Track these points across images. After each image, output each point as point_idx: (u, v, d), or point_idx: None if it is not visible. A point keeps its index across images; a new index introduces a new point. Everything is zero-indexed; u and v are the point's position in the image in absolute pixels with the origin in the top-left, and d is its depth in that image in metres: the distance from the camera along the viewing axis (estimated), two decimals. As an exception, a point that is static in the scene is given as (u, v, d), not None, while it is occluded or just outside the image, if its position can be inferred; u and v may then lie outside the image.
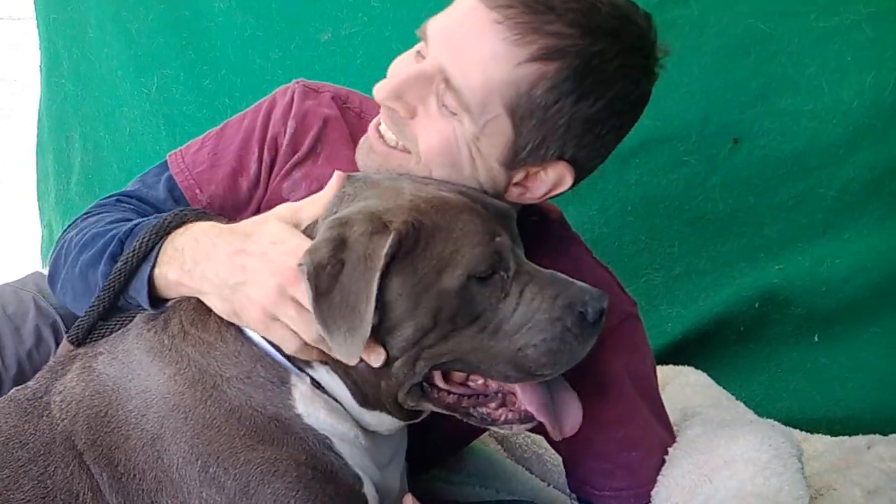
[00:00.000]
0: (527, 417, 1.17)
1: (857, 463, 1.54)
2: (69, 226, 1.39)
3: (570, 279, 1.14)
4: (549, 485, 1.63)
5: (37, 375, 1.27)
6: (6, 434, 1.18)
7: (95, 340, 1.28)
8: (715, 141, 1.94)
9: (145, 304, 1.23)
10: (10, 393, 1.25)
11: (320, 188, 1.36)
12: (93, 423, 1.16)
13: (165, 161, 1.47)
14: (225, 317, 1.17)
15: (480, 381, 1.18)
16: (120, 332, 1.26)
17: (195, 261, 1.17)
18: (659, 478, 1.34)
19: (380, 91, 1.22)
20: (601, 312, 1.12)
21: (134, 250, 1.21)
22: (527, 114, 1.17)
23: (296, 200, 1.37)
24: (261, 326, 1.14)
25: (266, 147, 1.43)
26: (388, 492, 1.25)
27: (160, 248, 1.21)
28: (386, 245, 1.07)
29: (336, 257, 1.08)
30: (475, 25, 1.15)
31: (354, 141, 1.39)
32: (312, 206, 1.19)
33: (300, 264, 1.08)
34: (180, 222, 1.24)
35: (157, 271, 1.21)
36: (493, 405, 1.18)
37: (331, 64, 2.10)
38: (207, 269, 1.16)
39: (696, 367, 1.91)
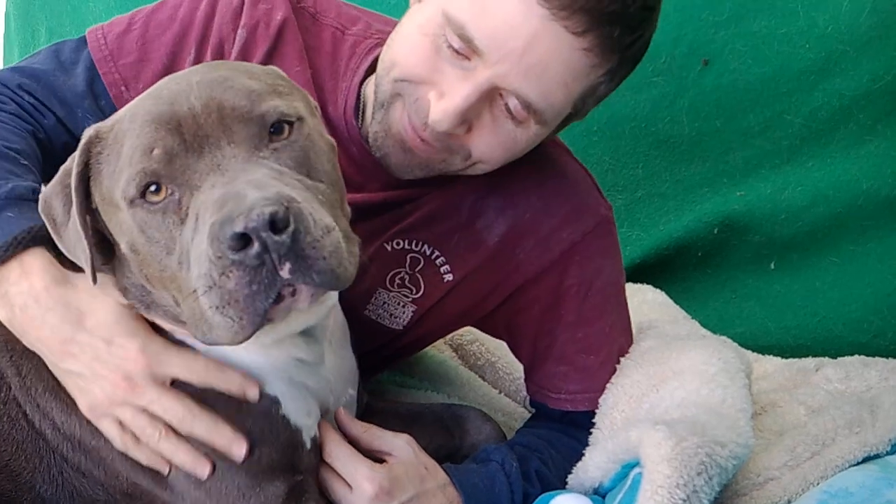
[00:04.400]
0: None
1: (805, 383, 1.56)
2: None
3: (247, 191, 0.84)
4: (500, 392, 1.63)
5: None
6: None
7: None
8: (685, 62, 1.91)
9: None
10: None
11: None
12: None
13: (84, 37, 1.28)
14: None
15: None
16: None
17: (24, 328, 1.04)
18: (608, 386, 1.34)
19: (442, 123, 1.12)
20: (239, 237, 0.82)
21: None
22: (584, 101, 1.18)
23: None
24: (90, 417, 1.05)
25: (210, 51, 1.27)
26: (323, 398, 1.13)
27: None
28: (76, 156, 0.97)
29: (63, 184, 1.00)
30: (559, 53, 1.08)
31: (307, 50, 1.29)
32: None
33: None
34: (20, 250, 1.03)
35: None
36: None
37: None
38: (38, 344, 1.04)
39: (654, 289, 1.91)
